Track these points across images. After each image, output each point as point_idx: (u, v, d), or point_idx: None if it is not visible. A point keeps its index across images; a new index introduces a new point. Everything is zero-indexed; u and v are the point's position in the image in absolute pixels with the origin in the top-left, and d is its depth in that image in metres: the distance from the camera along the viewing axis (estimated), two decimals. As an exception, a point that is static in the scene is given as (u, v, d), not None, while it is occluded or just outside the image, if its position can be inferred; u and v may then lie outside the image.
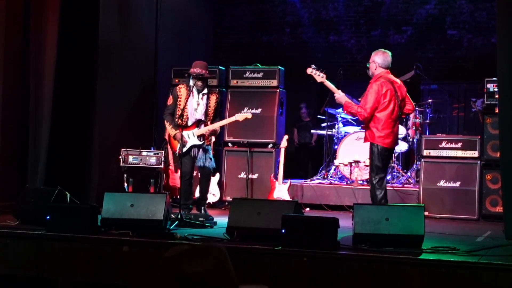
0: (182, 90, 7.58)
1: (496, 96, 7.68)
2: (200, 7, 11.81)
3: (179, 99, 7.55)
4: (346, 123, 10.36)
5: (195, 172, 7.99)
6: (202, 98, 7.52)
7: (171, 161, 9.10)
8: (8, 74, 7.91)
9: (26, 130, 8.07)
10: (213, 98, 7.60)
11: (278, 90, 9.48)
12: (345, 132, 10.03)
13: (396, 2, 12.03)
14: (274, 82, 9.50)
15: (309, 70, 7.34)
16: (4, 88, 7.86)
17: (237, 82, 9.61)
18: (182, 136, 7.42)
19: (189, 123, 7.51)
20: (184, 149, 7.49)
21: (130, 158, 8.50)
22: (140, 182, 8.60)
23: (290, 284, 5.46)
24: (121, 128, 9.16)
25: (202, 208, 7.69)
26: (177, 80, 9.81)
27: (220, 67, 9.80)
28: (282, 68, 9.64)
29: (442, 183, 8.66)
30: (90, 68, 8.46)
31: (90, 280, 5.99)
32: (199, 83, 7.48)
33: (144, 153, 8.55)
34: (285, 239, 5.59)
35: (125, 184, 8.46)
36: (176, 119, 7.50)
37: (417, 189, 8.82)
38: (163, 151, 8.70)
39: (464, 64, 11.63)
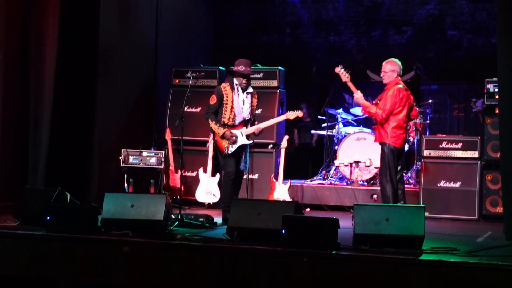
0: (227, 88, 7.33)
1: (497, 97, 7.69)
2: (200, 7, 11.81)
3: (225, 98, 7.29)
4: (346, 123, 10.37)
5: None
6: (247, 97, 7.36)
7: (172, 162, 9.12)
8: (8, 74, 7.91)
9: (26, 130, 8.07)
10: (255, 98, 7.47)
11: (278, 91, 9.48)
12: (345, 133, 10.04)
13: (396, 3, 12.03)
14: (275, 83, 9.51)
15: (337, 69, 7.75)
16: (4, 88, 7.86)
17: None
18: (231, 133, 7.26)
19: (236, 122, 7.33)
20: (233, 149, 7.30)
21: (131, 159, 8.51)
22: (140, 183, 8.61)
23: (290, 285, 5.46)
24: (121, 128, 9.16)
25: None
26: (177, 81, 9.81)
27: (220, 67, 9.79)
28: (282, 68, 9.64)
29: (442, 184, 8.66)
30: (90, 68, 8.46)
31: (90, 281, 5.99)
32: (244, 82, 7.32)
33: (145, 153, 8.55)
34: (285, 239, 5.60)
35: (126, 185, 8.47)
36: (223, 119, 7.30)
37: (418, 190, 8.82)
38: (164, 152, 8.71)
39: (464, 64, 11.63)
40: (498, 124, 7.14)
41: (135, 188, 8.46)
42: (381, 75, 7.55)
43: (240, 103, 7.32)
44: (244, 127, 7.39)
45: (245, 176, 9.20)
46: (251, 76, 9.37)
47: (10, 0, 7.89)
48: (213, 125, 7.31)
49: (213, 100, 7.35)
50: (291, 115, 7.78)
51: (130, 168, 8.52)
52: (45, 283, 6.11)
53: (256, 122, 7.56)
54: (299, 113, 7.80)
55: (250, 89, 7.44)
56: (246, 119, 7.41)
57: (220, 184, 9.03)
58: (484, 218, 8.39)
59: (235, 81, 7.36)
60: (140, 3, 9.69)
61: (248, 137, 7.38)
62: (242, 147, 7.37)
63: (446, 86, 11.26)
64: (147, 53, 9.66)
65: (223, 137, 7.29)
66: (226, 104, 7.30)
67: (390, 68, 7.48)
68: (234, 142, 7.28)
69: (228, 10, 12.81)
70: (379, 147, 9.30)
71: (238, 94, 7.33)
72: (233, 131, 7.30)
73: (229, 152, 7.30)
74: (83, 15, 8.37)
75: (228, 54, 12.32)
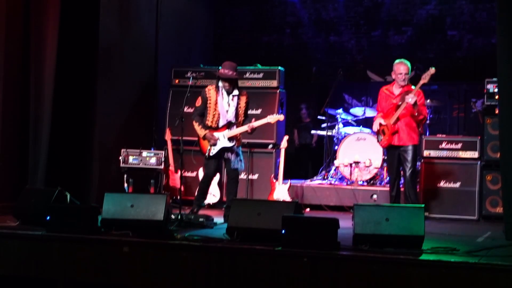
0: (211, 91, 7.42)
1: (496, 97, 7.69)
2: (200, 7, 11.81)
3: (208, 101, 7.40)
4: (346, 124, 10.36)
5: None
6: (232, 99, 7.39)
7: (171, 162, 9.12)
8: (8, 74, 7.91)
9: (27, 130, 8.07)
10: (243, 99, 7.45)
11: (278, 91, 9.48)
12: (345, 133, 10.04)
13: (396, 3, 12.02)
14: (274, 83, 9.51)
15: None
16: (4, 88, 7.87)
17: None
18: (212, 135, 7.33)
19: (220, 125, 7.38)
20: (214, 151, 7.39)
21: (130, 159, 8.52)
22: (140, 183, 8.61)
23: (290, 285, 5.46)
24: (121, 128, 9.16)
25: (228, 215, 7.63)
26: (177, 81, 9.82)
27: (220, 67, 9.78)
28: (282, 68, 9.64)
29: (442, 184, 8.66)
30: (91, 68, 8.46)
31: (90, 281, 5.99)
32: (227, 85, 7.34)
33: (144, 153, 8.56)
34: (285, 239, 5.60)
35: (125, 185, 8.47)
36: (207, 121, 7.40)
37: (418, 190, 8.81)
38: (163, 152, 8.71)
39: (464, 64, 11.62)
40: (498, 124, 7.13)
41: (135, 188, 8.47)
42: (404, 78, 7.65)
43: (224, 105, 7.36)
44: (227, 130, 7.40)
45: (244, 176, 9.25)
46: (253, 76, 9.51)
47: (10, 0, 7.89)
48: (196, 126, 7.44)
49: (198, 102, 7.50)
50: (272, 118, 7.60)
51: (130, 168, 8.52)
52: (45, 283, 6.11)
53: (239, 125, 7.49)
54: (280, 117, 7.67)
55: (236, 92, 7.42)
56: (230, 121, 7.39)
57: (219, 184, 9.05)
58: (484, 218, 8.39)
59: (220, 83, 7.40)
60: (140, 3, 9.70)
61: (230, 139, 7.40)
62: (225, 149, 7.42)
63: (446, 86, 11.25)
64: (147, 53, 9.67)
65: (204, 138, 7.39)
66: (209, 106, 7.39)
67: (407, 70, 7.67)
68: (215, 144, 7.34)
69: (228, 10, 12.81)
70: (378, 147, 9.32)
71: (223, 97, 7.36)
72: (216, 133, 7.34)
73: (211, 154, 7.41)
74: (83, 15, 8.37)
75: (228, 54, 12.32)
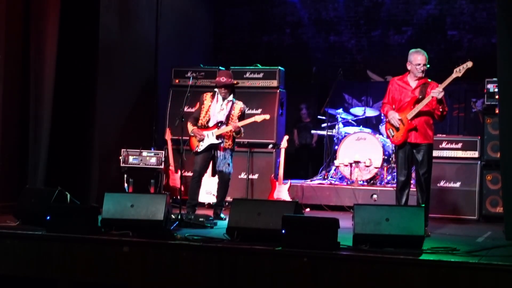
0: (207, 97, 7.76)
1: (497, 97, 7.69)
2: (200, 7, 11.81)
3: (203, 104, 7.73)
4: (346, 123, 10.36)
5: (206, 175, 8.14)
6: (226, 104, 7.68)
7: (172, 162, 9.12)
8: (8, 74, 7.90)
9: (27, 130, 8.06)
10: (237, 107, 7.71)
11: (278, 91, 9.48)
12: (345, 133, 10.03)
13: (397, 3, 12.02)
14: (274, 83, 9.51)
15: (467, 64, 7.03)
16: (4, 88, 7.85)
17: (237, 82, 9.59)
18: (198, 131, 7.58)
19: (210, 124, 7.62)
20: (201, 147, 7.60)
21: (131, 159, 8.52)
22: (140, 183, 8.61)
23: (290, 285, 5.46)
24: (121, 128, 9.16)
25: (218, 213, 7.69)
26: (177, 81, 9.82)
27: (220, 67, 9.79)
28: (282, 68, 9.64)
29: (442, 184, 8.66)
30: (90, 68, 8.45)
31: (90, 281, 5.99)
32: (223, 91, 7.63)
33: (145, 153, 8.56)
34: (286, 239, 5.60)
35: (125, 185, 8.47)
36: (200, 121, 7.67)
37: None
38: (164, 152, 8.71)
39: (464, 64, 11.61)
40: (498, 124, 7.14)
41: (135, 188, 8.47)
42: (422, 68, 6.94)
43: (217, 108, 7.66)
44: (216, 129, 7.60)
45: (244, 176, 9.25)
46: (253, 76, 9.52)
47: (10, 0, 7.88)
48: (188, 125, 7.69)
49: (196, 107, 7.86)
50: (259, 118, 7.79)
51: (130, 168, 8.52)
52: (45, 283, 6.11)
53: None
54: (267, 116, 7.87)
55: (231, 98, 7.69)
56: (221, 121, 7.61)
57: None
58: (484, 218, 8.40)
59: (217, 89, 7.71)
60: (140, 3, 9.70)
61: (218, 137, 7.58)
62: (213, 147, 7.58)
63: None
64: (147, 53, 9.66)
65: (192, 133, 7.66)
66: (203, 109, 7.70)
67: (425, 60, 7.00)
68: (202, 140, 7.57)
69: (228, 10, 12.81)
70: (379, 147, 9.31)
71: (217, 101, 7.68)
72: (204, 131, 7.61)
73: (198, 150, 7.63)
74: (83, 15, 8.36)
75: (228, 54, 12.35)
